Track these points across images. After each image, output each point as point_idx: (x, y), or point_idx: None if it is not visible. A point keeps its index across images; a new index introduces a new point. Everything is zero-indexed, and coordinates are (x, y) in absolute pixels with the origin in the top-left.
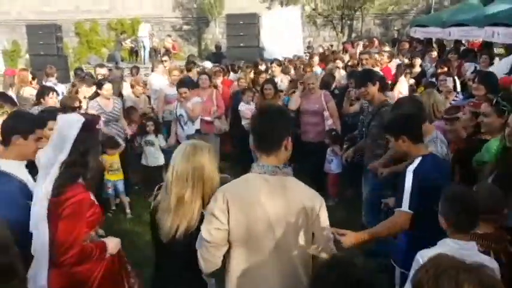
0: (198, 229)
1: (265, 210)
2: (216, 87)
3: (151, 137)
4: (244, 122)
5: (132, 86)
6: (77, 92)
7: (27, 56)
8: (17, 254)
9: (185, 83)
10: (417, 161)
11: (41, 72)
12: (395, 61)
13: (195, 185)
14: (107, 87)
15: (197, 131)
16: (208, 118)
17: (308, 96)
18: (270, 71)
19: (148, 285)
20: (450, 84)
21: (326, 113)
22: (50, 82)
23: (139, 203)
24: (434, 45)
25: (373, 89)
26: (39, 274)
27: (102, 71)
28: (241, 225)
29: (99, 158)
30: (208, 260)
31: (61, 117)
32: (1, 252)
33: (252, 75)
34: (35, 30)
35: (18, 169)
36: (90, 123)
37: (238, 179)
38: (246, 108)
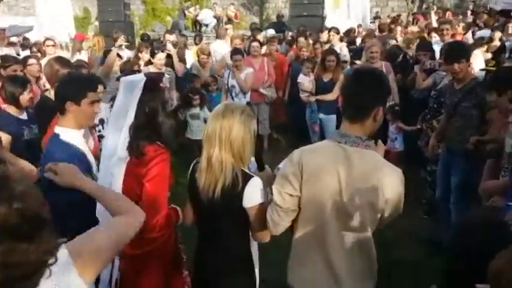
0: (233, 188)
1: (339, 181)
2: (271, 54)
3: (196, 110)
4: (302, 95)
5: (197, 55)
6: (137, 57)
7: (96, 22)
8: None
9: (240, 51)
10: None
11: (109, 38)
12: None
13: (222, 144)
14: (160, 57)
15: (247, 103)
16: (262, 90)
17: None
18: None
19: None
20: None
21: None
22: (116, 48)
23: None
24: None
25: (466, 65)
26: None
27: (171, 38)
28: (313, 192)
29: (170, 117)
30: (277, 223)
31: (123, 79)
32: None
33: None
34: None
35: (76, 138)
36: (152, 82)
37: (315, 144)
38: (305, 80)
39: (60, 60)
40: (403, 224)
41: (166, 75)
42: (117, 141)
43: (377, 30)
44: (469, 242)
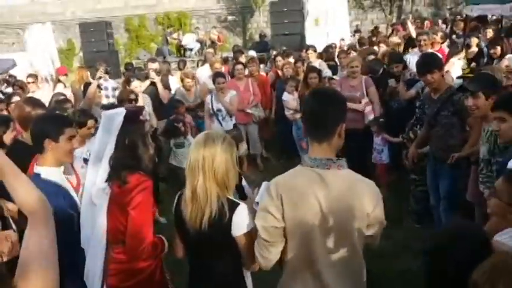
0: (220, 218)
1: (320, 204)
2: (252, 75)
3: (181, 139)
4: (287, 112)
5: (181, 80)
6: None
7: (81, 53)
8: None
9: (222, 74)
10: None
11: (93, 68)
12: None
13: (206, 174)
14: (135, 84)
15: (234, 125)
16: (248, 110)
17: (348, 82)
18: (304, 57)
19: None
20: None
21: (364, 101)
22: (101, 78)
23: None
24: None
25: (439, 75)
26: (93, 270)
27: (154, 66)
28: (296, 220)
29: (149, 149)
30: (267, 257)
31: (104, 113)
32: None
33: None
34: (87, 28)
35: (57, 176)
36: (132, 115)
37: (289, 173)
38: (289, 98)
39: (30, 101)
40: (397, 235)
41: (146, 108)
42: (97, 172)
43: (357, 44)
44: (453, 251)
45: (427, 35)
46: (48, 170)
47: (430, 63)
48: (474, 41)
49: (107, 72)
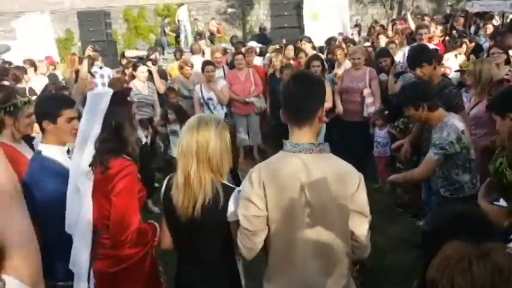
0: (214, 203)
1: (303, 190)
2: (249, 65)
3: (175, 127)
4: None
5: (180, 67)
6: (124, 73)
7: (79, 43)
8: None
9: (211, 62)
10: None
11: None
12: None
13: (200, 159)
14: (142, 69)
15: (225, 114)
16: (249, 99)
17: (351, 73)
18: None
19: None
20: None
21: (366, 91)
22: (96, 66)
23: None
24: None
25: (430, 68)
26: (80, 256)
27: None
28: (279, 208)
29: (136, 132)
30: (250, 248)
31: (90, 93)
32: None
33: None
34: (85, 18)
35: (57, 154)
36: (120, 96)
37: (271, 159)
38: None
39: None
40: (395, 230)
41: (132, 94)
42: (82, 155)
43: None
44: (450, 232)
45: (426, 28)
46: (50, 148)
47: (419, 57)
48: (466, 41)
49: (96, 51)
